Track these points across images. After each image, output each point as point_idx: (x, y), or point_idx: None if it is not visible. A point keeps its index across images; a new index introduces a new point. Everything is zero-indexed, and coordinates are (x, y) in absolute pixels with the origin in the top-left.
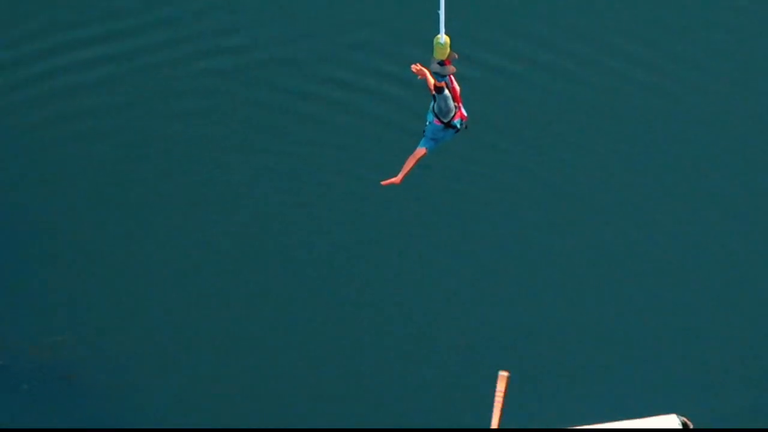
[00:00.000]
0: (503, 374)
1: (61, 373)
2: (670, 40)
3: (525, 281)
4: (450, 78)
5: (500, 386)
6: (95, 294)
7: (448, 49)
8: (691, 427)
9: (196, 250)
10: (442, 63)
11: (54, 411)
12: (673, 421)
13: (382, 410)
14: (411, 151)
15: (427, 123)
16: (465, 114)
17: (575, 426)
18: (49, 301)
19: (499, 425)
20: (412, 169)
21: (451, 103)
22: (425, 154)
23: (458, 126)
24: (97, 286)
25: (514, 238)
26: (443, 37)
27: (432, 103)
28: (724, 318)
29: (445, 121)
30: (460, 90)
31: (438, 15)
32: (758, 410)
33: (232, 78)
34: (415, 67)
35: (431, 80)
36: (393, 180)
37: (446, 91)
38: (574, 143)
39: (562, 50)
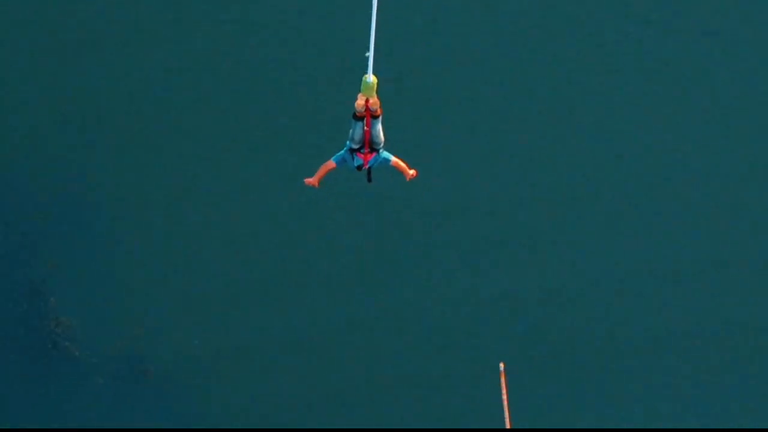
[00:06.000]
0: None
1: (139, 368)
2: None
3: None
4: (368, 120)
5: (502, 381)
6: (177, 290)
7: (374, 91)
8: None
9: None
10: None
11: (128, 406)
12: None
13: (383, 410)
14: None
15: None
16: (368, 164)
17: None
18: (130, 294)
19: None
20: (323, 176)
21: (358, 136)
22: (334, 168)
23: (356, 162)
24: (180, 280)
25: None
26: (371, 77)
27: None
28: None
29: (352, 146)
30: (376, 140)
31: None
32: None
33: None
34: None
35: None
36: (311, 181)
37: (360, 123)
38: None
39: None
